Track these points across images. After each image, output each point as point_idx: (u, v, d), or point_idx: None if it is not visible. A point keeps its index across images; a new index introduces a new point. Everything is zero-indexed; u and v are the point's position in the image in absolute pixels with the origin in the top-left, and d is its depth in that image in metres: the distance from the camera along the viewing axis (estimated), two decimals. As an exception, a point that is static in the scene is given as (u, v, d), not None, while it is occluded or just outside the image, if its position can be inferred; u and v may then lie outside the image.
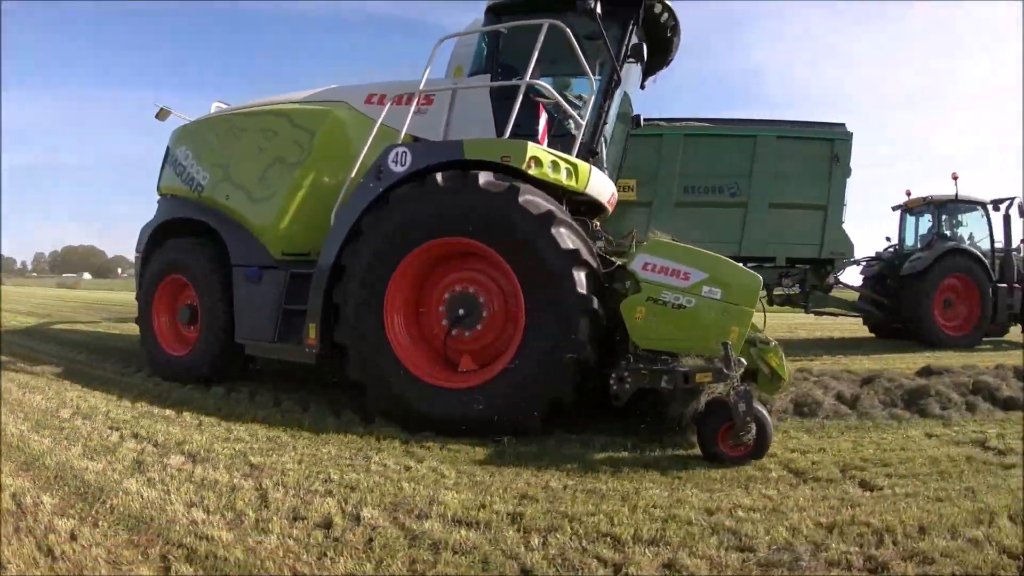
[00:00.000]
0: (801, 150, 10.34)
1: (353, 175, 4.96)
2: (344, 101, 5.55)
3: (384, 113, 5.06)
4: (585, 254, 4.19)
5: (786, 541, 2.58)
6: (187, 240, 6.02)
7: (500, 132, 4.79)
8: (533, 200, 4.22)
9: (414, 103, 5.00)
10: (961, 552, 2.45)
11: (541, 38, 4.55)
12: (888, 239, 13.18)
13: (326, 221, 5.02)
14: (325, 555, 2.42)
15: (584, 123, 5.03)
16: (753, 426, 3.63)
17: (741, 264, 4.31)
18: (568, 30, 4.55)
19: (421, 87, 5.01)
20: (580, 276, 4.09)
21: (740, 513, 2.88)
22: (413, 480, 3.28)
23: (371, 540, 2.54)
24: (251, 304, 5.36)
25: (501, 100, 5.08)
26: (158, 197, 6.60)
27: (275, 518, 2.73)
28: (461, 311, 4.46)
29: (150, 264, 6.19)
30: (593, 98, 5.10)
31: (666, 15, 5.38)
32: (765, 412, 3.75)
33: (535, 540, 2.56)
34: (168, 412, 4.65)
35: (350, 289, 4.54)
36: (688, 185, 10.17)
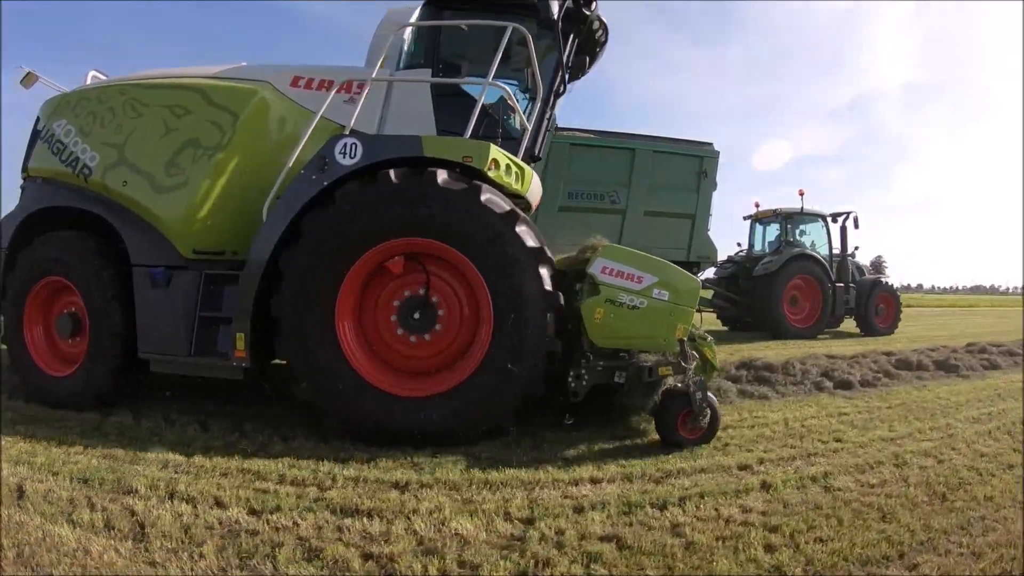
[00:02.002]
0: (674, 164, 11.37)
1: (291, 164, 4.58)
2: (267, 81, 5.02)
3: (328, 101, 4.73)
4: (547, 251, 4.31)
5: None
6: (70, 234, 5.11)
7: (451, 130, 4.75)
8: (494, 199, 4.23)
9: (364, 92, 4.72)
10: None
11: (505, 41, 4.55)
12: (739, 244, 15.00)
13: (248, 215, 4.63)
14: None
15: (531, 128, 5.10)
16: (708, 411, 4.08)
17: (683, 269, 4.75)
18: (529, 36, 4.61)
19: (373, 76, 4.77)
20: (546, 273, 4.20)
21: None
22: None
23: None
24: (158, 311, 4.71)
25: (442, 97, 5.03)
26: (23, 180, 5.54)
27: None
28: (416, 315, 4.32)
29: (19, 263, 5.22)
30: (539, 105, 5.21)
31: (601, 32, 5.63)
32: (715, 400, 4.22)
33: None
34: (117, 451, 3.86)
35: (292, 294, 4.18)
36: (572, 191, 10.79)
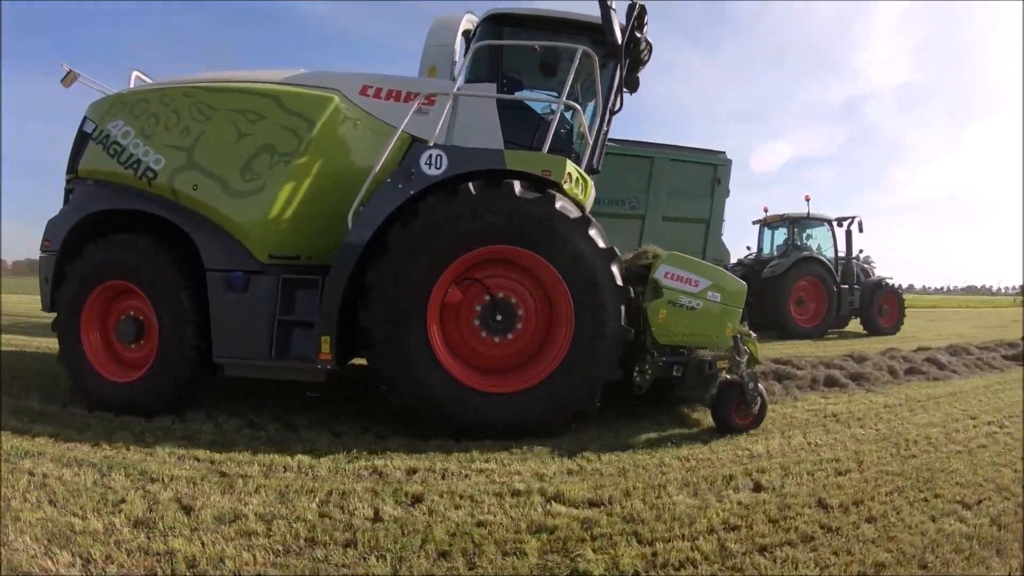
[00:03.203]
0: (689, 172, 11.96)
1: (377, 171, 4.70)
2: (337, 89, 5.06)
3: (411, 112, 4.85)
4: (616, 250, 4.67)
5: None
6: (139, 237, 5.00)
7: (514, 142, 5.09)
8: (567, 206, 4.56)
9: (448, 105, 4.90)
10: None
11: (576, 63, 4.84)
12: (748, 247, 15.68)
13: (322, 222, 4.83)
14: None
15: (591, 143, 5.50)
16: (759, 399, 4.66)
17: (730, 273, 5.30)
18: (596, 57, 4.92)
19: (455, 90, 4.97)
20: (616, 270, 4.58)
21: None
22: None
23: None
24: (237, 316, 4.76)
25: (506, 110, 5.29)
26: (68, 180, 5.39)
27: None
28: (499, 317, 4.57)
29: (76, 265, 5.08)
30: (598, 121, 5.62)
31: (646, 52, 5.95)
32: (763, 389, 4.79)
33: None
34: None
35: (384, 300, 4.38)
36: (596, 197, 11.35)
